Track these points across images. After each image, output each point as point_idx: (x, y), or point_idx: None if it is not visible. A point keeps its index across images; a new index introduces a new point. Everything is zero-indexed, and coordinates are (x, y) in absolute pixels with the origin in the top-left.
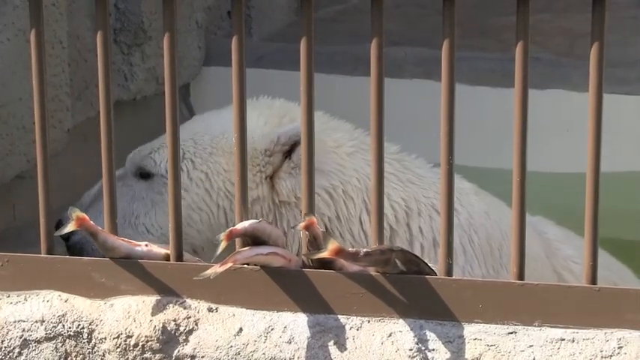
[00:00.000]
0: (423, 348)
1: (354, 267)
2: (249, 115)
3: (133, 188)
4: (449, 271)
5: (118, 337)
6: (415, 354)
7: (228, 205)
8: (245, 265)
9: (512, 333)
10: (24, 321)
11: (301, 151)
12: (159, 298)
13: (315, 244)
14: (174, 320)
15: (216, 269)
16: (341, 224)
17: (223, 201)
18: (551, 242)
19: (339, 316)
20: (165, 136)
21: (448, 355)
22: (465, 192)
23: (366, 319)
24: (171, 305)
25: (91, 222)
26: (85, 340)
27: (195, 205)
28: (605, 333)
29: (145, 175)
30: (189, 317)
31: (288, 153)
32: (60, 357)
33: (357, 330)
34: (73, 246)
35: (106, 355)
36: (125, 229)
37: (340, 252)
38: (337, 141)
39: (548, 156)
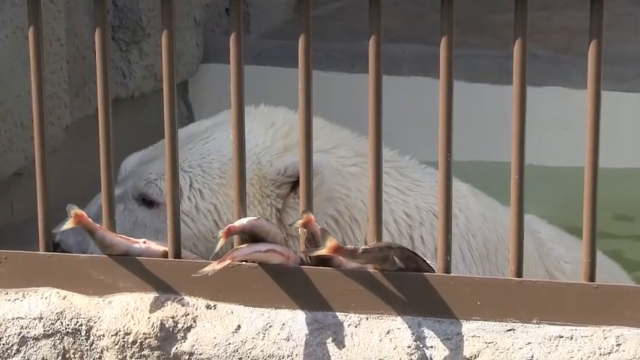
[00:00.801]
0: (422, 345)
1: (352, 264)
2: (252, 130)
3: (135, 214)
4: (447, 269)
5: (116, 335)
6: (413, 351)
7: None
8: (243, 263)
9: (510, 330)
10: (22, 318)
11: (299, 147)
12: (157, 295)
13: (313, 241)
14: (173, 317)
15: (215, 266)
16: None
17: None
18: (544, 242)
19: (338, 314)
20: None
21: (446, 352)
22: (462, 194)
23: (365, 316)
24: (169, 302)
25: (89, 219)
26: (84, 338)
27: (201, 235)
28: (604, 330)
29: (149, 203)
30: (188, 314)
31: (295, 184)
32: (58, 354)
33: (356, 327)
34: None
35: (104, 352)
36: None
37: (338, 249)
38: (341, 160)
39: (547, 152)
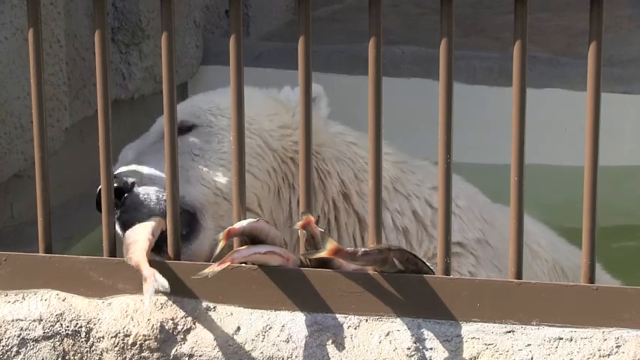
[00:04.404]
0: (421, 347)
1: (351, 266)
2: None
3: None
4: (447, 270)
5: (115, 336)
6: (413, 353)
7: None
8: (243, 264)
9: (510, 332)
10: (22, 320)
11: (300, 147)
12: (157, 296)
13: (313, 243)
14: (172, 319)
15: (214, 268)
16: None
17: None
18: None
19: (337, 315)
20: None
21: (446, 354)
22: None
23: (364, 317)
24: (169, 304)
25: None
26: (83, 339)
27: (253, 151)
28: (603, 332)
29: (187, 128)
30: (187, 316)
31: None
32: (58, 356)
33: (355, 329)
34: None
35: (104, 354)
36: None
37: (338, 252)
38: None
39: (546, 154)
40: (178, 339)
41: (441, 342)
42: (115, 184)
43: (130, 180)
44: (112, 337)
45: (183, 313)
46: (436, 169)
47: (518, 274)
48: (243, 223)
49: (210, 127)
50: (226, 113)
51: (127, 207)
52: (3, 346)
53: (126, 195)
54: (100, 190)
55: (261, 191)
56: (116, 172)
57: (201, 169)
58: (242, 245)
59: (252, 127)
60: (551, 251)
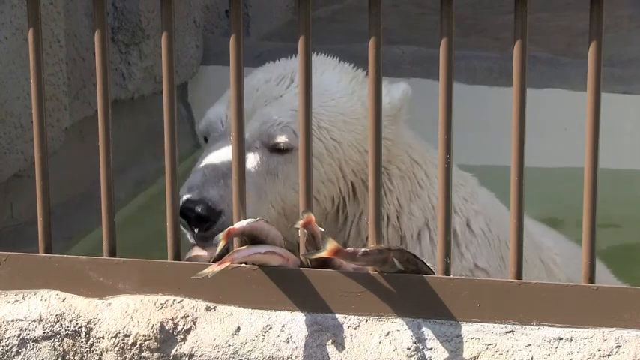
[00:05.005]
0: (421, 347)
1: (351, 266)
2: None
3: (265, 163)
4: (447, 270)
5: (115, 336)
6: (413, 353)
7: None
8: (243, 264)
9: (510, 332)
10: (22, 320)
11: (299, 147)
12: (157, 297)
13: (313, 242)
14: (172, 319)
15: (214, 268)
16: None
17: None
18: (533, 235)
19: (337, 315)
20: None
21: (446, 354)
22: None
23: (364, 317)
24: (169, 304)
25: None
26: (83, 339)
27: (326, 177)
28: (603, 332)
29: (280, 149)
30: (187, 316)
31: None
32: (58, 356)
33: (355, 329)
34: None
35: (104, 354)
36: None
37: (339, 252)
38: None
39: (546, 154)
40: (178, 339)
41: (441, 342)
42: (200, 211)
43: (219, 208)
44: (112, 337)
45: (183, 313)
46: (481, 189)
47: (518, 274)
48: (243, 223)
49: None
50: (324, 136)
51: (210, 235)
52: (3, 346)
53: (208, 224)
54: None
55: (318, 216)
56: (202, 196)
57: (277, 194)
58: (242, 245)
59: (335, 154)
60: (565, 268)
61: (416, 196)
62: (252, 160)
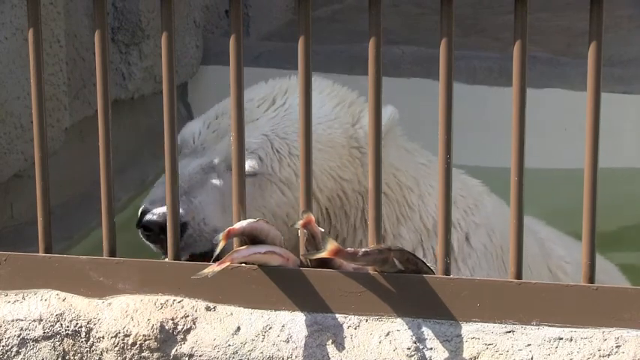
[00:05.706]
0: (421, 347)
1: (351, 266)
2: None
3: (227, 184)
4: (447, 270)
5: (115, 336)
6: (413, 353)
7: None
8: (243, 264)
9: (510, 332)
10: (22, 320)
11: (300, 148)
12: (157, 297)
13: (313, 242)
14: (172, 319)
15: (214, 268)
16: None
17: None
18: (544, 242)
19: (337, 315)
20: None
21: (446, 354)
22: (477, 190)
23: (364, 317)
24: (169, 304)
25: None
26: (83, 339)
27: (297, 202)
28: (603, 332)
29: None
30: (187, 316)
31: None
32: (58, 356)
33: (355, 329)
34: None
35: (104, 354)
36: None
37: (339, 252)
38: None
39: (546, 154)
40: (178, 339)
41: (441, 342)
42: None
43: (183, 220)
44: (112, 337)
45: (183, 313)
46: (490, 197)
47: (518, 274)
48: (243, 223)
49: (270, 175)
50: (294, 163)
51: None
52: (3, 346)
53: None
54: (141, 211)
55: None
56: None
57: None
58: (242, 245)
59: (341, 184)
60: (576, 276)
61: (406, 218)
62: (216, 182)
